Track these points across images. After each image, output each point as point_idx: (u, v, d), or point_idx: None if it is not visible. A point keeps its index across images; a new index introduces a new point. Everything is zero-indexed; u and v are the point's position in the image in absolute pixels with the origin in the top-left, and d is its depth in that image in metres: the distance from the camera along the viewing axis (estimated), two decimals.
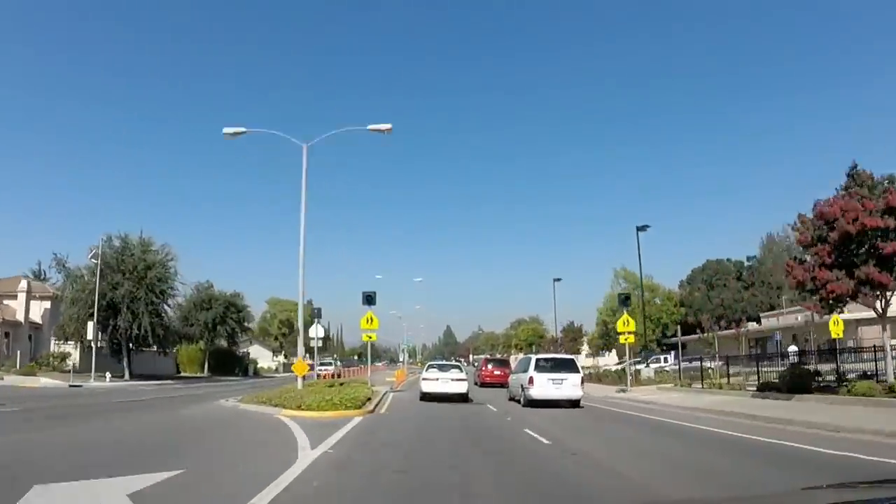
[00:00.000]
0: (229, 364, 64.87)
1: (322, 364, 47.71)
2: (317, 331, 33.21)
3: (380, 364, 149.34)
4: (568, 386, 19.95)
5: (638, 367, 42.93)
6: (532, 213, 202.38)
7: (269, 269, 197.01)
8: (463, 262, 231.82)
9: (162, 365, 59.83)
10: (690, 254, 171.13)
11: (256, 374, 68.19)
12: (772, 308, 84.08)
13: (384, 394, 24.78)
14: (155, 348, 51.42)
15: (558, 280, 56.53)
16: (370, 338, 26.33)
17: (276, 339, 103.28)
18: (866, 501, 2.49)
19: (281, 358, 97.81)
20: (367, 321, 25.81)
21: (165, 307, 48.27)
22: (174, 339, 53.06)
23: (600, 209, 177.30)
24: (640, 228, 38.09)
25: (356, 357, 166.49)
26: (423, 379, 23.23)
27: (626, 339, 28.15)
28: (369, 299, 25.88)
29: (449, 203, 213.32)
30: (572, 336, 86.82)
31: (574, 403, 20.17)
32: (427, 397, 22.22)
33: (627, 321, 28.19)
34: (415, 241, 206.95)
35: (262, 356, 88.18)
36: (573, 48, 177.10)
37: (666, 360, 43.76)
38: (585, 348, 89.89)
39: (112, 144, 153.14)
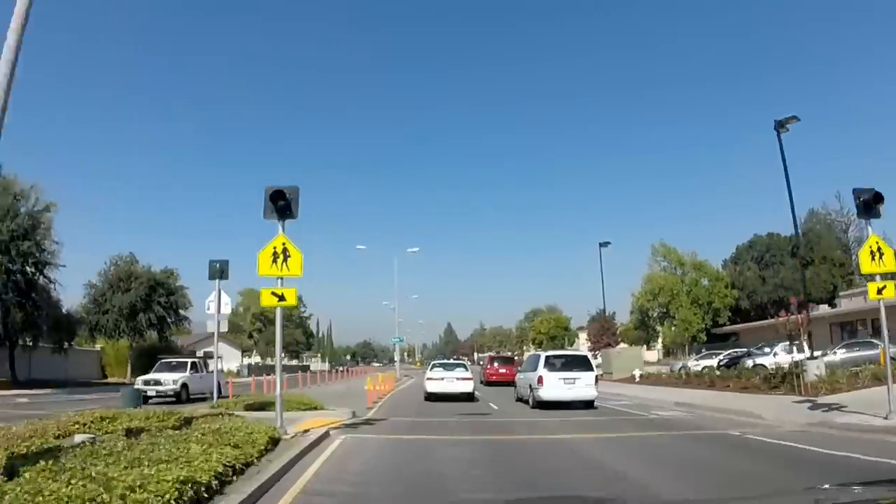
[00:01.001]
0: None
1: (166, 365, 23.58)
2: (219, 302, 17.76)
3: (377, 364, 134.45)
4: (581, 386, 18.39)
5: (756, 360, 27.56)
6: (532, 217, 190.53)
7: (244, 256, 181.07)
8: (463, 259, 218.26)
9: (78, 366, 44.56)
10: (726, 231, 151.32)
11: None
12: (835, 288, 70.38)
13: (305, 452, 9.11)
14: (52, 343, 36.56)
15: (606, 245, 41.08)
16: (281, 298, 10.56)
17: (249, 336, 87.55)
18: (866, 501, 2.42)
19: (255, 358, 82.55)
20: (274, 259, 10.38)
21: (43, 281, 33.04)
22: (67, 328, 37.74)
23: (612, 195, 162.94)
24: (779, 124, 22.94)
25: (349, 357, 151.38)
26: (428, 378, 22.80)
27: (880, 290, 11.73)
28: (278, 201, 10.34)
29: (449, 203, 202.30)
30: (605, 326, 71.99)
31: (587, 405, 18.44)
32: (432, 397, 21.69)
33: (879, 249, 12.15)
34: (414, 241, 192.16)
35: (229, 356, 72.50)
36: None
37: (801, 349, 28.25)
38: (623, 345, 74.65)
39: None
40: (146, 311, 41.96)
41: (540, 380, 18.26)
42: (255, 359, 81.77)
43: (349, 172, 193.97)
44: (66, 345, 38.53)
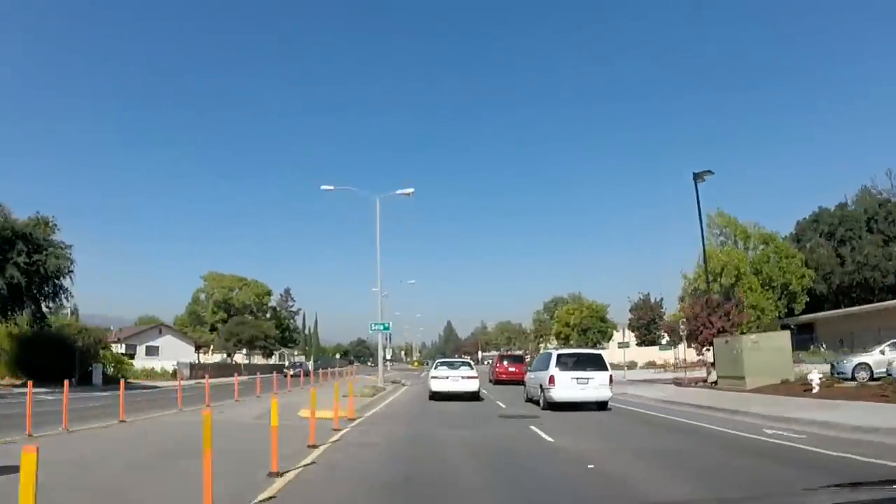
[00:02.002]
0: (61, 361, 34.63)
1: None
2: None
3: (371, 365, 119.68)
4: (594, 386, 17.64)
5: None
6: (532, 218, 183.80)
7: (208, 238, 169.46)
8: (463, 260, 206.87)
9: None
10: (770, 209, 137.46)
11: (118, 381, 37.54)
12: None
13: None
14: None
15: (704, 176, 26.52)
16: None
17: (212, 328, 72.49)
18: (866, 502, 2.38)
19: (212, 356, 67.68)
20: None
21: None
22: None
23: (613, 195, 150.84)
24: None
25: (338, 356, 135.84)
26: (432, 377, 22.67)
27: None
28: None
29: (447, 207, 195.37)
30: (649, 315, 57.33)
31: (601, 405, 17.83)
32: (437, 396, 21.63)
33: None
34: (413, 243, 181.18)
35: (177, 351, 57.87)
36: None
37: None
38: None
39: None
40: None
41: (551, 379, 17.53)
42: (212, 356, 67.00)
43: (349, 178, 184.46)
44: None
